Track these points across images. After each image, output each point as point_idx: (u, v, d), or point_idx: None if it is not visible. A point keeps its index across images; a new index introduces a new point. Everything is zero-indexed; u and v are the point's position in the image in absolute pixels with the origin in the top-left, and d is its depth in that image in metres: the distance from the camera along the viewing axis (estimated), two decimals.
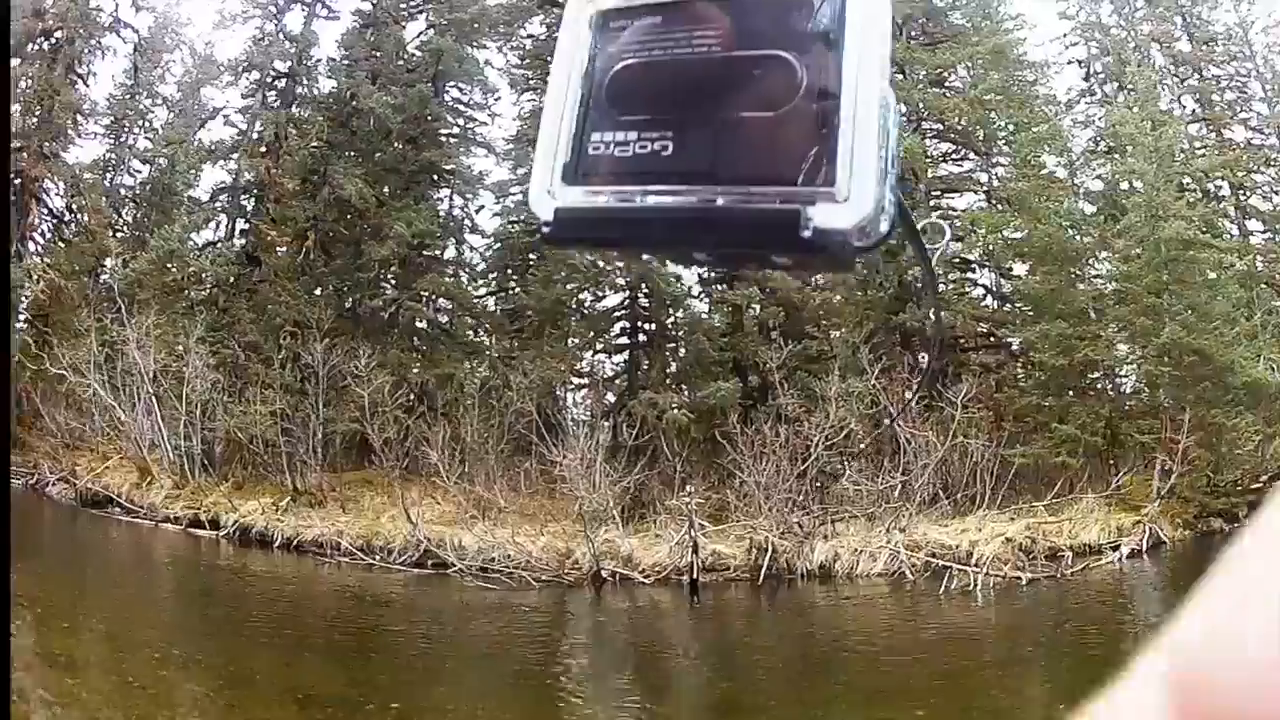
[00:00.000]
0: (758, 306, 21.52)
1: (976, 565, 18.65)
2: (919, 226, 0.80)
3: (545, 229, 0.63)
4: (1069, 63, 24.85)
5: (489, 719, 10.63)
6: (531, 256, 23.38)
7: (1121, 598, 18.30)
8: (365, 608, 16.29)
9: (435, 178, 26.59)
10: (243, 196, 28.42)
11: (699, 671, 14.22)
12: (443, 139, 26.89)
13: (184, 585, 17.23)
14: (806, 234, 0.55)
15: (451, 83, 27.19)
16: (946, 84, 25.25)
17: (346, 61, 27.76)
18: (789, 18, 0.59)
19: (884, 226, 0.59)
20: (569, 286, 22.24)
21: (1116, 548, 19.93)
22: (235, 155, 28.23)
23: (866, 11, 0.58)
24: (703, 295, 22.73)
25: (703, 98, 0.59)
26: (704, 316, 22.46)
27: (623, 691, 12.72)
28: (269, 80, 28.10)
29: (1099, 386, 21.78)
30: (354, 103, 27.65)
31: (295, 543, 19.73)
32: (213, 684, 10.72)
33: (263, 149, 28.02)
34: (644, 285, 21.55)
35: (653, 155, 0.59)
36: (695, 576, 18.97)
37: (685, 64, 0.61)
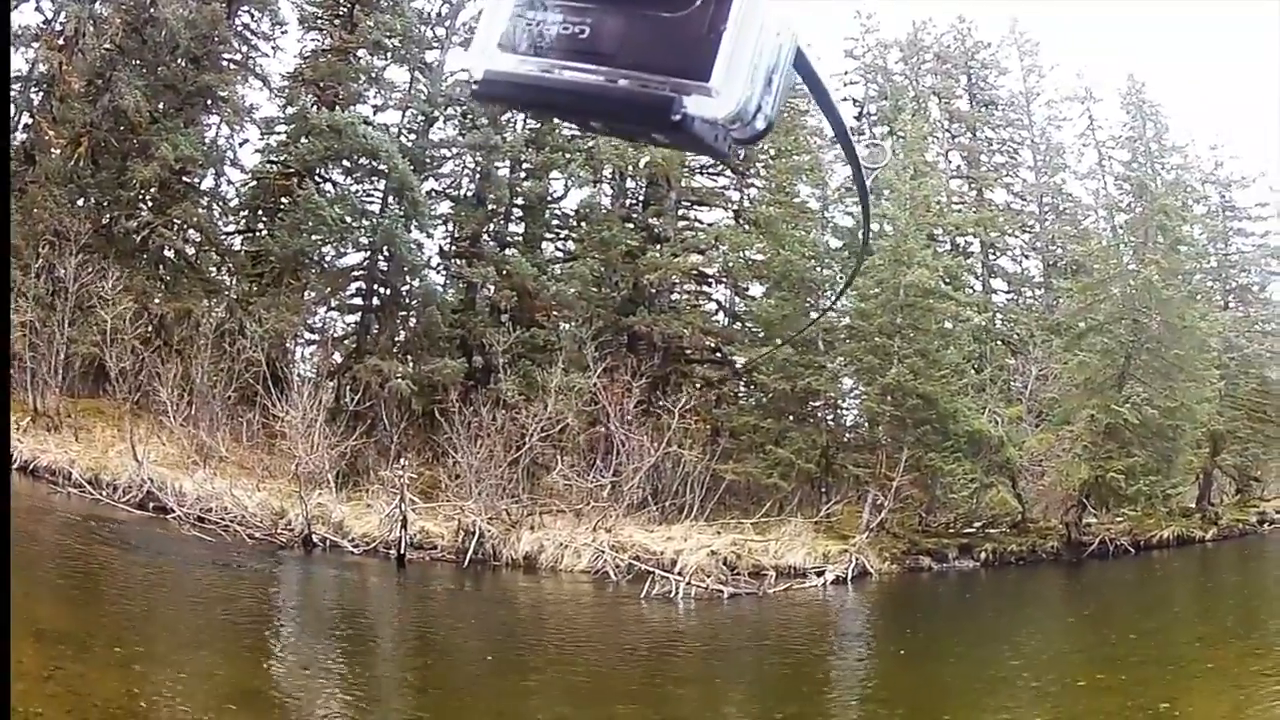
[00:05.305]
0: (492, 287, 21.03)
1: (680, 574, 18.73)
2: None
3: (475, 87, 0.73)
4: (844, 99, 25.26)
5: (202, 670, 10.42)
6: (284, 200, 22.20)
7: (822, 621, 18.74)
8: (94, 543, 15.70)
9: (209, 103, 25.10)
10: (33, 89, 26.51)
11: (400, 647, 13.98)
12: (225, 64, 25.38)
13: None
14: (676, 118, 0.66)
15: (245, 7, 25.71)
16: None
17: None
18: None
19: (760, 125, 0.70)
20: (314, 238, 21.19)
21: (821, 573, 20.21)
22: (36, 45, 26.15)
23: None
24: (441, 268, 22.08)
25: None
26: (439, 289, 21.80)
27: (325, 660, 12.22)
28: None
29: (819, 415, 22.16)
30: (151, 9, 26.41)
31: (31, 467, 19.07)
32: None
33: (60, 42, 26.23)
34: (386, 248, 20.71)
35: (572, 36, 0.70)
36: (403, 552, 18.74)
37: None
